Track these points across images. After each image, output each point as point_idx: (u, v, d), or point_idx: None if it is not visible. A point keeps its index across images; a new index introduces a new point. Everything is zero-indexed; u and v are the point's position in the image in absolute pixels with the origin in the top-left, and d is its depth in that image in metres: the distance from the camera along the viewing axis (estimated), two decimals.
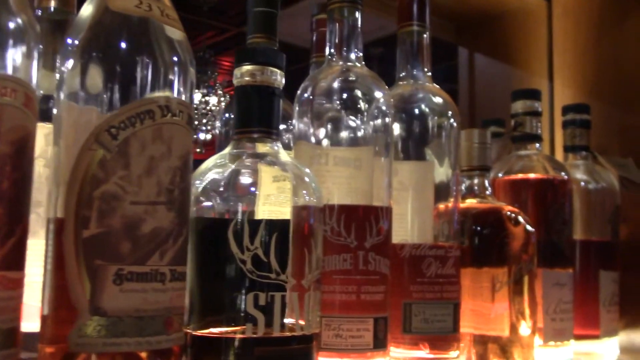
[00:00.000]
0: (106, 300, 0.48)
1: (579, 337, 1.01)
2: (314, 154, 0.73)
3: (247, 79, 0.64)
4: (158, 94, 0.53)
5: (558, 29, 1.24)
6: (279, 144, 0.65)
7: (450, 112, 0.82)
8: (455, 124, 0.82)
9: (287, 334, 0.58)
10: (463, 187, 0.91)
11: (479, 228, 0.85)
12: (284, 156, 0.65)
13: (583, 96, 1.18)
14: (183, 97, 0.55)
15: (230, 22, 5.35)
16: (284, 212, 0.64)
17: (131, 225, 0.49)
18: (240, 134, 0.64)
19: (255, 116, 0.64)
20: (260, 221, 0.58)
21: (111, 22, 0.53)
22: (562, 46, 1.23)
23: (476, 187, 0.90)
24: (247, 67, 0.64)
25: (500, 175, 0.99)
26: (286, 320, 0.59)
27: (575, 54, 1.21)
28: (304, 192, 0.64)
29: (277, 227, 0.59)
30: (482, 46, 1.37)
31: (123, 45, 0.53)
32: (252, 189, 0.63)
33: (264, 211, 0.65)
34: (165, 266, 0.51)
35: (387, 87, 0.77)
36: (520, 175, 0.98)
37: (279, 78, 0.65)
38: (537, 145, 1.01)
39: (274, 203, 0.65)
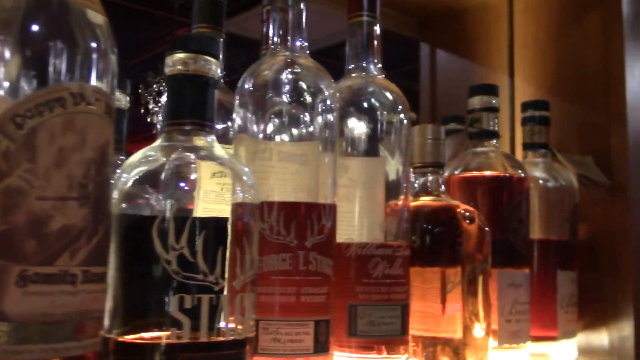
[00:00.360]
0: (8, 304, 0.44)
1: (535, 339, 0.98)
2: (257, 148, 0.70)
3: (179, 67, 0.60)
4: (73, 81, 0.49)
5: (519, 25, 1.22)
6: (214, 137, 0.61)
7: (400, 107, 0.79)
8: (405, 119, 0.79)
9: (216, 338, 0.54)
10: (416, 184, 0.88)
11: (430, 227, 0.82)
12: (219, 150, 0.61)
13: (544, 93, 1.16)
14: (102, 85, 0.51)
15: None
16: (226, 210, 0.61)
17: (37, 223, 0.45)
18: (172, 126, 0.60)
19: (188, 107, 0.60)
20: (186, 219, 0.54)
21: (27, 4, 0.49)
22: (523, 42, 1.21)
23: (429, 185, 0.87)
24: (179, 55, 0.60)
25: (456, 172, 0.97)
26: (221, 324, 0.55)
27: (536, 50, 1.19)
28: (238, 188, 0.60)
29: (206, 225, 0.55)
30: (443, 42, 1.34)
31: (38, 29, 0.49)
32: (184, 184, 0.59)
33: (204, 209, 0.61)
34: (77, 267, 0.47)
35: (333, 80, 0.73)
36: (475, 173, 0.95)
37: (214, 68, 0.61)
38: (494, 142, 0.98)
39: (214, 200, 0.61)
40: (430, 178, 0.87)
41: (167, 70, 0.61)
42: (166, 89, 0.62)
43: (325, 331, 0.65)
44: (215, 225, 0.56)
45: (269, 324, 0.63)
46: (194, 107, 0.60)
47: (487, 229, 0.87)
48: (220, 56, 0.87)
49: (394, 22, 1.31)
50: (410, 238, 0.80)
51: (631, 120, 1.06)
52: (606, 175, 1.06)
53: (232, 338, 0.55)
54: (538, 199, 1.03)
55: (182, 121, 0.60)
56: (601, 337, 1.05)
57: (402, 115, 0.79)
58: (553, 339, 0.99)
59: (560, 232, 1.03)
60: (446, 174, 0.97)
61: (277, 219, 0.65)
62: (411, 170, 0.88)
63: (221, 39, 0.86)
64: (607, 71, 1.08)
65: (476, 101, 0.99)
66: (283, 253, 0.64)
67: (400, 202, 0.79)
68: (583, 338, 1.07)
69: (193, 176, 0.60)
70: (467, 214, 0.86)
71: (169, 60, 0.61)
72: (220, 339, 0.55)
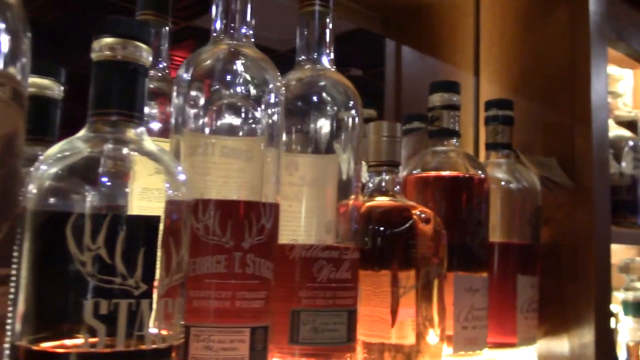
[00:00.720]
0: None
1: (494, 346, 0.95)
2: (197, 143, 0.65)
3: (106, 53, 0.56)
4: None
5: (485, 22, 1.19)
6: (143, 130, 0.57)
7: (352, 102, 0.75)
8: (357, 115, 0.76)
9: (135, 347, 0.50)
10: (370, 184, 0.84)
11: (382, 228, 0.78)
12: (149, 144, 0.57)
13: (509, 92, 1.13)
14: (12, 70, 0.46)
15: (180, 15, 5.23)
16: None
17: None
18: (97, 116, 0.55)
19: (115, 96, 0.56)
20: (104, 216, 0.50)
21: None
22: (488, 40, 1.18)
23: (384, 184, 0.83)
24: (106, 40, 0.56)
25: (413, 172, 0.93)
26: (144, 332, 0.51)
27: (502, 48, 1.16)
28: (167, 185, 0.56)
29: (127, 223, 0.51)
30: (409, 39, 1.31)
31: None
32: (111, 179, 0.55)
33: (140, 207, 0.57)
34: None
35: (279, 72, 0.69)
36: (434, 173, 0.92)
37: (145, 55, 0.56)
38: (455, 141, 0.95)
39: (157, 199, 0.57)
40: (385, 177, 0.84)
41: (94, 55, 0.56)
42: (92, 75, 0.57)
43: (263, 339, 0.61)
44: (140, 224, 0.52)
45: (200, 331, 0.59)
46: (122, 97, 0.56)
47: (443, 231, 0.84)
48: (166, 45, 0.83)
49: (358, 17, 1.27)
50: (362, 240, 0.77)
51: (595, 121, 1.03)
52: (570, 177, 1.03)
53: (153, 346, 0.51)
54: (500, 201, 1.00)
55: (108, 111, 0.55)
56: (562, 344, 1.02)
57: (354, 111, 0.75)
58: (512, 345, 0.96)
59: (521, 235, 1.00)
60: (404, 173, 0.94)
61: (213, 218, 0.60)
62: (365, 168, 0.84)
63: (166, 28, 0.81)
64: (572, 70, 1.06)
65: (436, 98, 0.95)
66: (218, 255, 0.60)
67: (350, 202, 0.75)
68: (544, 345, 1.04)
69: (124, 171, 0.56)
70: (423, 215, 0.83)
71: (95, 44, 0.56)
72: (142, 347, 0.50)
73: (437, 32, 1.26)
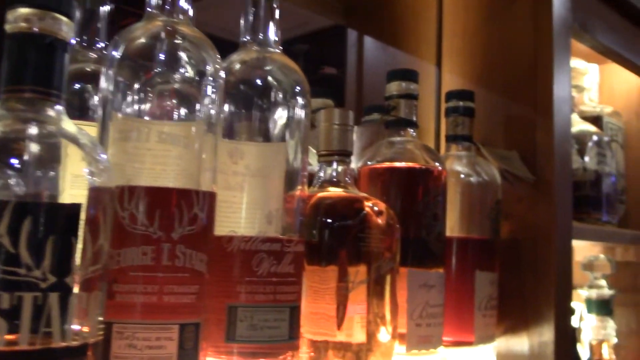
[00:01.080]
0: None
1: (450, 344, 0.92)
2: (129, 127, 0.61)
3: (21, 24, 0.51)
4: None
5: (448, 13, 1.16)
6: (61, 109, 0.52)
7: (300, 87, 0.71)
8: (305, 101, 0.71)
9: (41, 346, 0.45)
10: (320, 174, 0.80)
11: (330, 220, 0.74)
12: (69, 125, 0.52)
13: (471, 83, 1.10)
14: None
15: None
16: None
17: None
18: (9, 93, 0.51)
19: (30, 72, 0.51)
20: (7, 203, 0.45)
21: None
22: (451, 31, 1.15)
23: (335, 175, 0.80)
24: (22, 11, 0.51)
25: (368, 163, 0.89)
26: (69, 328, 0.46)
27: (464, 39, 1.12)
28: (86, 170, 0.51)
29: (35, 210, 0.46)
30: (371, 29, 1.27)
31: None
32: (20, 162, 0.50)
33: (72, 195, 0.52)
34: None
35: (219, 54, 0.65)
36: (388, 164, 0.88)
37: (65, 29, 0.52)
38: (412, 131, 0.91)
39: (83, 186, 0.52)
40: (336, 167, 0.80)
41: (7, 27, 0.51)
42: (5, 49, 0.52)
43: (194, 336, 0.57)
44: (51, 212, 0.47)
45: (124, 328, 0.54)
46: (38, 72, 0.51)
47: (397, 225, 0.80)
48: (105, 24, 0.78)
49: (319, 6, 1.24)
50: (308, 233, 0.73)
51: (558, 114, 1.00)
52: (531, 171, 1.00)
53: (63, 344, 0.46)
54: (459, 195, 0.97)
55: (22, 87, 0.51)
56: (522, 342, 1.00)
57: (301, 97, 0.71)
58: (469, 344, 0.93)
59: (480, 230, 0.97)
60: (359, 164, 0.90)
61: (139, 207, 0.56)
62: (316, 159, 0.81)
63: (105, 6, 0.76)
64: (535, 62, 1.03)
65: (394, 87, 0.91)
66: (144, 246, 0.55)
67: (297, 193, 0.71)
68: (503, 343, 1.01)
69: (46, 154, 0.52)
70: (375, 207, 0.79)
71: (9, 15, 0.51)
72: (50, 345, 0.46)
73: (399, 23, 1.23)
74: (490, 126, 1.07)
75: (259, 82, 0.70)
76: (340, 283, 0.75)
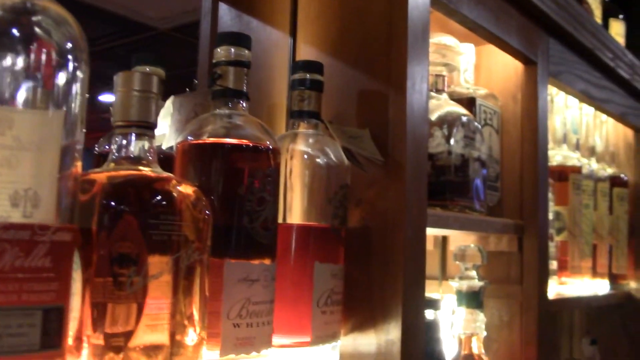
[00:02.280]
0: None
1: (283, 346, 0.81)
2: None
3: None
4: None
5: None
6: None
7: (73, 43, 0.58)
8: (82, 58, 0.59)
9: None
10: (114, 148, 0.68)
11: (114, 203, 0.62)
12: None
13: (326, 55, 0.99)
14: None
15: None
16: None
17: None
18: None
19: None
20: None
21: None
22: None
23: (133, 150, 0.67)
24: None
25: (189, 138, 0.77)
26: None
27: (319, 7, 1.02)
28: None
29: None
30: None
31: None
32: None
33: None
34: None
35: None
36: (210, 140, 0.76)
37: None
38: (243, 104, 0.80)
39: None
40: (134, 141, 0.67)
41: None
42: None
43: None
44: None
45: None
46: None
47: (208, 210, 0.69)
48: None
49: None
50: (86, 218, 0.60)
51: (412, 89, 0.91)
52: (382, 152, 0.90)
53: None
54: (300, 177, 0.87)
55: None
56: (369, 341, 0.90)
57: (77, 54, 0.58)
58: (305, 344, 0.83)
59: (323, 217, 0.87)
60: (178, 140, 0.78)
61: None
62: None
63: None
64: (390, 33, 0.93)
65: (222, 53, 0.80)
66: None
67: (73, 171, 0.58)
68: (350, 342, 0.92)
69: None
70: (181, 189, 0.67)
71: None
72: None
73: None
74: (344, 102, 0.97)
75: (14, 32, 0.57)
76: (134, 277, 0.63)
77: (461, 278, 1.30)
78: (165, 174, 0.68)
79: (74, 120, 0.59)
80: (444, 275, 1.45)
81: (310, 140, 0.89)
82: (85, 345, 0.61)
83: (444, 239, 1.44)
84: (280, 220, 0.85)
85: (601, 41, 1.63)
